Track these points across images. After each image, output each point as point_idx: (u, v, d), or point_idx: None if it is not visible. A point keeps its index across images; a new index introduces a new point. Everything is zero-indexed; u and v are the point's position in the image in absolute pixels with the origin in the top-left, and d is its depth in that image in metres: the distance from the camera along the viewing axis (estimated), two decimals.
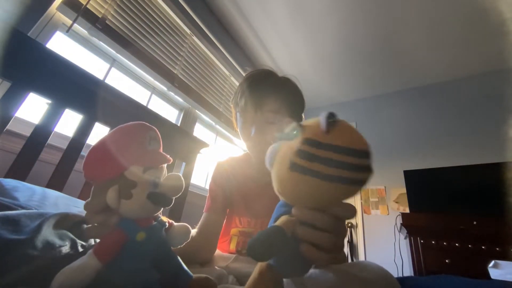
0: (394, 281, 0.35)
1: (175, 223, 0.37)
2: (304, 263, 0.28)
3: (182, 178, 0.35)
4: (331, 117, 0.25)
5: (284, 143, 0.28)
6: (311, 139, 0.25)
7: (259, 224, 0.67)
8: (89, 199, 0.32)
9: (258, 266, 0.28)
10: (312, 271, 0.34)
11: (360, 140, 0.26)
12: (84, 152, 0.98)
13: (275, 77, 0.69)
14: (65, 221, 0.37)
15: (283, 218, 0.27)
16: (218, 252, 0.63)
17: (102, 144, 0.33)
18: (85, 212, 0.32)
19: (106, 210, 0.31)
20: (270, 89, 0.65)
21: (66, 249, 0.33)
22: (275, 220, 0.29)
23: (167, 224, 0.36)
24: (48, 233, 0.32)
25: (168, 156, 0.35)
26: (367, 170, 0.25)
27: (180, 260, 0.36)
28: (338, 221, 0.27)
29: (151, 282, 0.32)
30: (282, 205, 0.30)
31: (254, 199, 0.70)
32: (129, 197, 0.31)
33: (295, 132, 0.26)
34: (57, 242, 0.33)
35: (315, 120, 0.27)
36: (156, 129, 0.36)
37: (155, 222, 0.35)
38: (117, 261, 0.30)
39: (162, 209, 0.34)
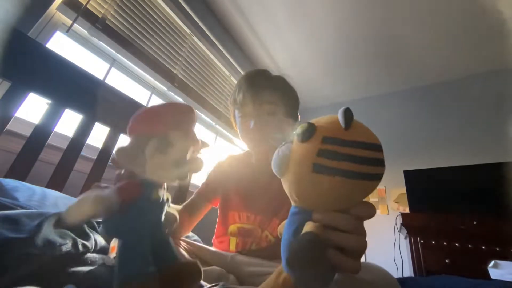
0: (394, 282, 0.35)
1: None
2: (330, 274, 0.25)
3: (203, 163, 0.36)
4: (348, 113, 0.24)
5: (296, 145, 0.26)
6: (332, 137, 0.24)
7: (258, 220, 0.67)
8: (123, 146, 0.33)
9: (282, 277, 0.26)
10: None
11: (374, 135, 0.25)
12: (85, 153, 0.98)
13: (270, 74, 0.74)
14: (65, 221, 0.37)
15: (309, 225, 0.25)
16: (217, 251, 0.63)
17: (161, 106, 0.35)
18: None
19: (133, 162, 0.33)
20: (267, 83, 0.70)
21: (67, 247, 0.33)
22: (295, 230, 0.26)
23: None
24: (48, 232, 0.32)
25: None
26: (383, 164, 0.25)
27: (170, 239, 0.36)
28: (360, 222, 0.26)
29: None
30: (296, 213, 0.28)
31: (254, 196, 0.71)
32: (164, 152, 0.32)
33: (310, 133, 0.25)
34: (58, 240, 0.32)
35: (329, 118, 0.26)
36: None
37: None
38: (127, 216, 0.30)
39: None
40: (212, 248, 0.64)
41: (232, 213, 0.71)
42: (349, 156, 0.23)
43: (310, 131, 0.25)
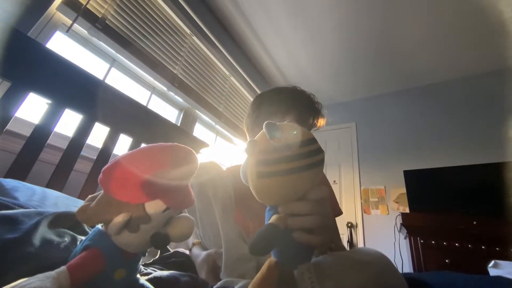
0: (389, 262, 0.36)
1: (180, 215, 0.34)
2: (304, 251, 0.31)
3: (193, 224, 0.32)
4: (269, 126, 0.29)
5: (248, 159, 0.32)
6: (262, 148, 0.30)
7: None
8: (93, 204, 0.28)
9: (267, 263, 0.30)
10: (314, 258, 0.36)
11: (303, 132, 0.31)
12: (85, 153, 0.98)
13: (282, 88, 0.77)
14: (65, 220, 0.37)
15: (273, 217, 0.30)
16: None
17: (140, 162, 0.28)
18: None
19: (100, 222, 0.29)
20: (306, 100, 0.73)
21: (64, 245, 0.33)
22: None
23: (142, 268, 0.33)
24: (45, 231, 0.32)
25: (193, 196, 0.33)
26: (319, 151, 0.31)
27: None
28: (318, 204, 0.30)
29: None
30: (268, 210, 0.34)
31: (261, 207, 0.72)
32: (135, 231, 0.27)
33: (251, 148, 0.30)
34: (55, 239, 0.32)
35: (262, 132, 0.32)
36: (198, 164, 0.32)
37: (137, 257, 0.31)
38: None
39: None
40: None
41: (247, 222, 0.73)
42: (278, 160, 0.29)
43: (251, 147, 0.30)
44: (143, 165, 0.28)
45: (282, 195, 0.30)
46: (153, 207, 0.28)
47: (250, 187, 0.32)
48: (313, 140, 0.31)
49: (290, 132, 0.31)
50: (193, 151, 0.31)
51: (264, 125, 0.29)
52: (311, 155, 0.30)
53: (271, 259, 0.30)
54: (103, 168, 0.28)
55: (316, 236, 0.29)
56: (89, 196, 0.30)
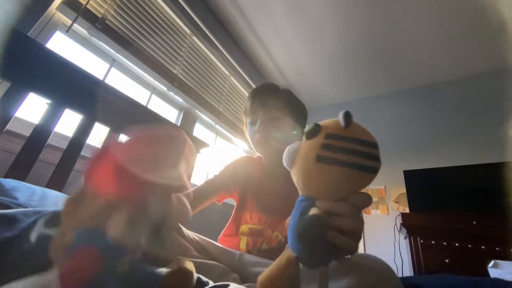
0: (389, 269, 0.38)
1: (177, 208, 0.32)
2: (330, 252, 0.29)
3: (191, 215, 0.31)
4: (347, 115, 0.29)
5: (304, 142, 0.31)
6: (333, 134, 0.29)
7: (269, 221, 0.69)
8: (87, 203, 0.26)
9: (286, 257, 0.30)
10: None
11: (370, 134, 0.30)
12: (85, 153, 0.98)
13: (278, 86, 0.80)
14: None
15: (314, 210, 0.30)
16: (225, 248, 0.63)
17: (130, 152, 0.27)
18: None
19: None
20: (273, 91, 0.76)
21: None
22: (302, 213, 0.31)
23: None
24: (42, 230, 0.32)
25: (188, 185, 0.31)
26: (379, 159, 0.30)
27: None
28: (358, 210, 0.29)
29: None
30: (302, 200, 0.32)
31: (266, 198, 0.74)
32: (132, 229, 0.26)
33: (315, 131, 0.30)
34: (53, 237, 0.32)
35: (332, 119, 0.31)
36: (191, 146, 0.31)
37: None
38: None
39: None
40: (221, 245, 0.64)
41: (245, 213, 0.74)
42: (345, 149, 0.28)
43: (315, 130, 0.30)
44: (136, 161, 0.27)
45: (330, 187, 0.29)
46: (152, 203, 0.27)
47: (297, 169, 0.31)
48: (376, 146, 0.30)
49: (362, 129, 0.30)
50: (180, 137, 0.29)
51: (342, 112, 0.29)
52: (372, 158, 0.29)
53: (290, 253, 0.29)
54: (94, 166, 0.26)
55: (351, 240, 0.28)
56: None
